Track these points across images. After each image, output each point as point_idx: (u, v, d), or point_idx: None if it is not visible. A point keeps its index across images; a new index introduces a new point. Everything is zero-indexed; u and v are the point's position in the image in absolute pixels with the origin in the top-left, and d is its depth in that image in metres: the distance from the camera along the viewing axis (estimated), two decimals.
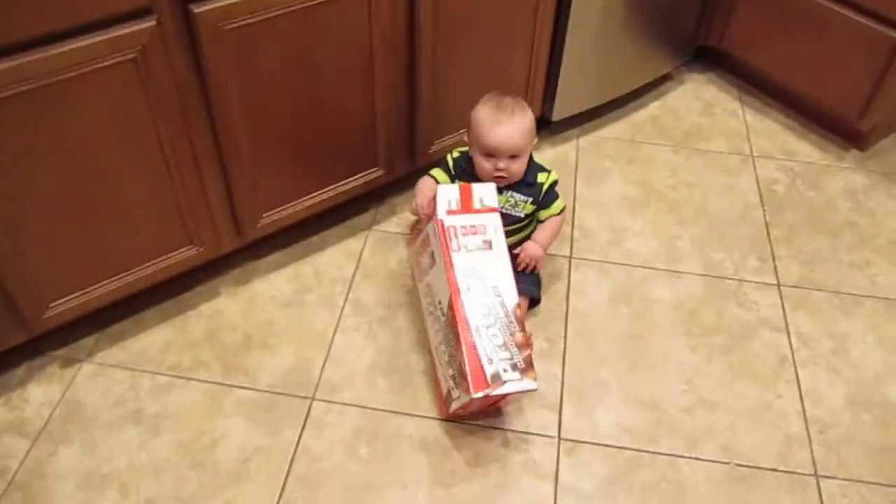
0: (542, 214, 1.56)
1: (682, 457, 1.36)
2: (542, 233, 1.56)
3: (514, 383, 1.27)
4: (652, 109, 2.15)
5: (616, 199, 1.87)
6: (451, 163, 1.59)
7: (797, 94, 2.07)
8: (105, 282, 1.40)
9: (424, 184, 1.58)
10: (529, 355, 1.31)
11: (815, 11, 1.86)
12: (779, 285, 1.67)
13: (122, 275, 1.42)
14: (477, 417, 1.40)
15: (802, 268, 1.71)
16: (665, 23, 1.99)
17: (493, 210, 1.40)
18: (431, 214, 1.42)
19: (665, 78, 2.23)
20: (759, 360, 1.52)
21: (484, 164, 1.49)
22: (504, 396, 1.32)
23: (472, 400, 1.27)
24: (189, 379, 1.46)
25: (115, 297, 1.44)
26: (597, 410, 1.43)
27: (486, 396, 1.26)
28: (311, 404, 1.42)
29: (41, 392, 1.43)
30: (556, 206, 1.56)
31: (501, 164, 1.47)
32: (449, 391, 1.35)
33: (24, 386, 1.44)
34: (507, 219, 1.49)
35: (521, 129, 1.46)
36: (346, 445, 1.36)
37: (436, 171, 1.61)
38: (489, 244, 1.38)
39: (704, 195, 1.88)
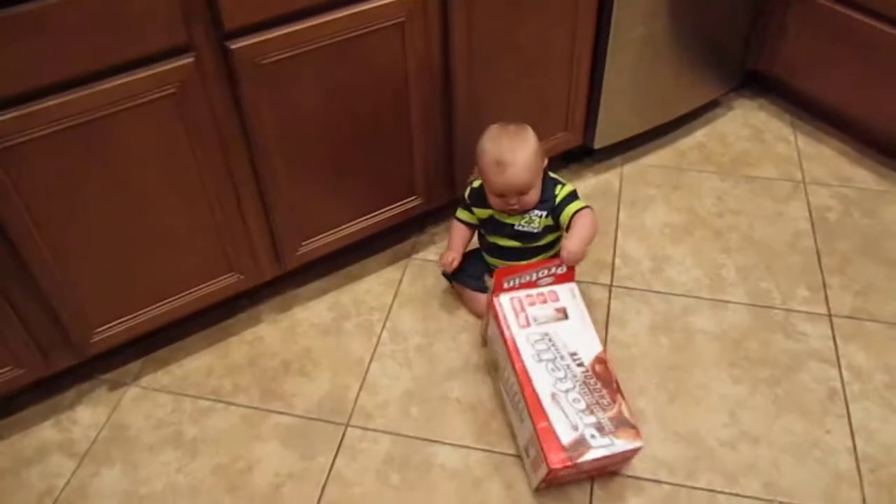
0: (565, 215, 1.48)
1: (721, 492, 1.31)
2: (577, 230, 1.46)
3: (601, 449, 1.22)
4: (699, 136, 2.12)
5: (659, 227, 1.83)
6: (468, 193, 1.59)
7: (852, 119, 2.01)
8: (150, 308, 1.45)
9: (454, 232, 1.62)
10: (619, 413, 1.27)
11: (868, 34, 1.80)
12: (830, 316, 1.60)
13: (166, 301, 1.46)
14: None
15: (856, 298, 1.64)
16: (710, 48, 1.97)
17: (566, 279, 1.43)
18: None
19: (713, 104, 2.19)
20: (808, 393, 1.46)
21: (495, 201, 1.49)
22: (607, 459, 1.25)
23: (551, 471, 1.21)
24: (229, 403, 1.49)
25: (160, 322, 1.49)
26: None
27: (575, 464, 1.21)
28: (345, 430, 1.43)
29: (89, 414, 1.49)
30: (577, 203, 1.49)
31: (513, 202, 1.47)
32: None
33: (73, 408, 1.50)
34: (521, 236, 1.51)
35: (526, 168, 1.43)
36: (378, 472, 1.36)
37: (461, 213, 1.63)
38: (563, 312, 1.39)
39: (751, 223, 1.83)
